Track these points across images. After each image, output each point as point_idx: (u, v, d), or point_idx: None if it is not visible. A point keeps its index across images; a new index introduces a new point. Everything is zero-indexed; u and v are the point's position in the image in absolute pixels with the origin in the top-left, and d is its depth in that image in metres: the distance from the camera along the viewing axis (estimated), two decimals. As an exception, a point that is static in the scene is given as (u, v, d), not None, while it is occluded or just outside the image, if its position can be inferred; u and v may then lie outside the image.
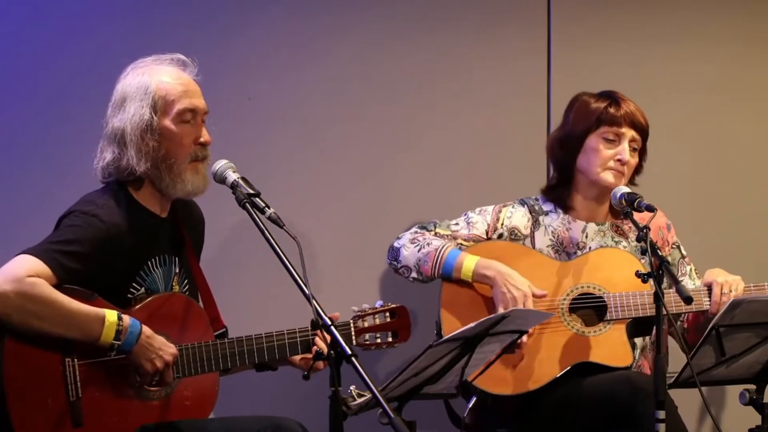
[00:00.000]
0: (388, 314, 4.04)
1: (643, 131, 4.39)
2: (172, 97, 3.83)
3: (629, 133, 4.36)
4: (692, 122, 5.18)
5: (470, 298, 4.32)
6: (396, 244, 4.43)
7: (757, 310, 3.89)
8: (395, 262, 4.41)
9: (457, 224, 4.45)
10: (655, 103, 5.06)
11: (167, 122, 3.83)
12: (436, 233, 4.42)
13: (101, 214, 3.76)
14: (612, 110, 4.36)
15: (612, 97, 4.40)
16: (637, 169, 4.45)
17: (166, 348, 3.74)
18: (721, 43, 5.18)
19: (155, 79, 3.83)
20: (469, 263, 4.30)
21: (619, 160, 4.34)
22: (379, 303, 4.06)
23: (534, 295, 4.27)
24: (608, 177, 4.35)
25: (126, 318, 3.69)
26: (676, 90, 5.16)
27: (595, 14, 5.11)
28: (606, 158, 4.35)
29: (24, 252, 3.68)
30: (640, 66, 5.11)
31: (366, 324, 4.00)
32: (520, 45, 5.05)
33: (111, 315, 3.67)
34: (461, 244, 4.40)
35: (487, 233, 4.43)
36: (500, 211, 4.47)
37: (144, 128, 3.79)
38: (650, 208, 4.11)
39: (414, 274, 4.38)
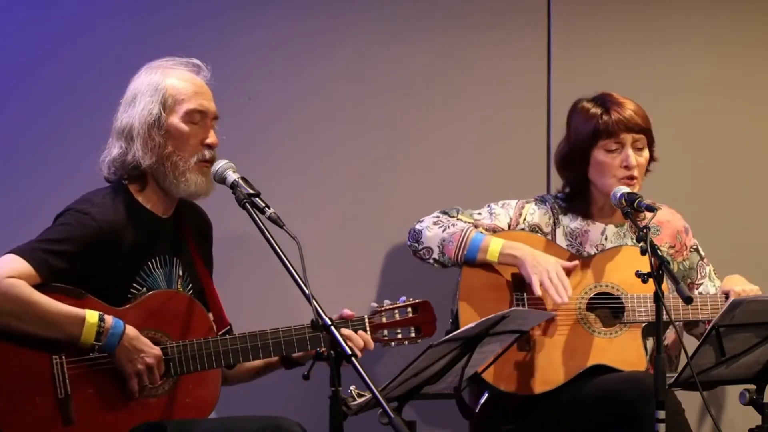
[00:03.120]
0: (410, 309, 4.03)
1: (642, 130, 4.37)
2: (183, 96, 3.85)
3: (628, 137, 4.35)
4: (692, 122, 5.17)
5: (489, 286, 4.31)
6: (418, 227, 4.41)
7: (757, 310, 3.89)
8: (416, 244, 4.39)
9: (480, 214, 4.45)
10: (655, 103, 5.06)
11: (175, 120, 3.84)
12: (458, 219, 4.41)
13: (94, 213, 3.76)
14: (605, 120, 4.34)
15: (604, 105, 4.37)
16: (651, 159, 4.43)
17: (149, 350, 3.73)
18: (721, 43, 5.18)
19: (168, 78, 3.86)
20: (495, 245, 4.30)
21: (626, 167, 4.34)
22: (402, 299, 4.05)
23: (564, 268, 4.26)
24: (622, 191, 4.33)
25: (108, 319, 3.69)
26: (676, 90, 5.15)
27: (595, 14, 5.11)
28: (614, 168, 4.34)
29: (11, 251, 3.69)
30: (640, 66, 5.11)
31: (384, 320, 3.99)
32: (520, 45, 5.05)
33: (92, 316, 3.67)
34: (482, 232, 4.38)
35: (509, 226, 4.42)
36: (523, 207, 4.46)
37: (151, 123, 3.81)
38: (650, 208, 4.10)
39: (435, 255, 4.36)
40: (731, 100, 5.19)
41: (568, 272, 4.28)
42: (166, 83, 3.84)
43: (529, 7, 5.05)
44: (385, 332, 3.99)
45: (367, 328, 3.96)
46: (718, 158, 5.19)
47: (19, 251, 3.68)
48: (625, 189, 4.22)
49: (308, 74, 4.86)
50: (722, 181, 5.18)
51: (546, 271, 4.23)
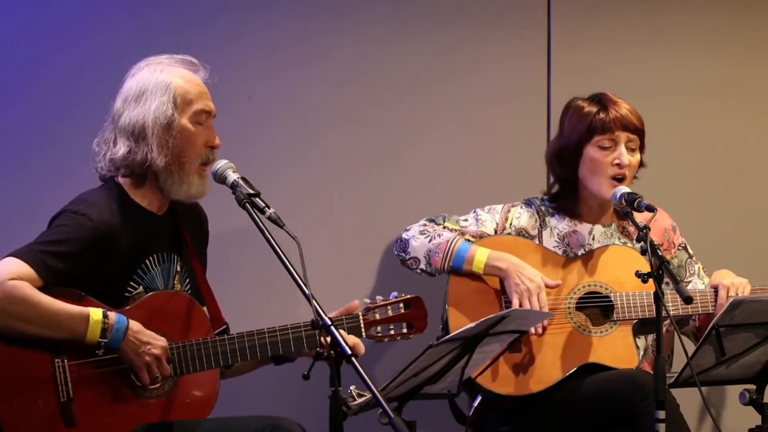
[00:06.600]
0: (402, 305, 4.01)
1: (637, 130, 4.37)
2: (191, 97, 3.85)
3: (623, 135, 4.35)
4: (692, 122, 5.18)
5: (478, 292, 4.31)
6: (405, 236, 4.41)
7: (757, 310, 3.89)
8: (403, 254, 4.40)
9: (466, 220, 4.44)
10: (655, 103, 5.06)
11: (185, 121, 3.84)
12: (444, 227, 4.41)
13: (91, 213, 3.75)
14: (602, 117, 4.34)
15: (601, 102, 4.38)
16: (640, 165, 4.44)
17: (155, 341, 3.73)
18: (721, 43, 5.18)
19: (174, 78, 3.85)
20: (481, 255, 4.30)
21: (618, 164, 4.34)
22: (393, 294, 4.04)
23: (547, 286, 4.27)
24: (610, 192, 4.32)
25: (112, 315, 3.69)
26: (676, 90, 5.15)
27: (595, 14, 5.11)
28: (605, 165, 4.33)
29: (10, 254, 3.68)
30: (640, 66, 5.11)
31: (378, 316, 3.98)
32: (520, 45, 5.05)
33: (96, 313, 3.67)
34: (469, 239, 4.39)
35: (495, 232, 4.42)
36: (509, 211, 4.46)
37: (166, 124, 3.80)
38: (650, 208, 4.11)
39: (422, 266, 4.36)
40: (731, 100, 5.19)
41: (550, 291, 4.28)
42: (174, 83, 3.83)
43: (529, 7, 5.05)
44: (379, 329, 3.98)
45: (362, 325, 3.95)
46: (717, 158, 5.19)
47: (19, 254, 3.68)
48: (625, 189, 4.22)
49: (308, 74, 4.86)
50: (722, 181, 5.18)
51: (528, 293, 4.23)
